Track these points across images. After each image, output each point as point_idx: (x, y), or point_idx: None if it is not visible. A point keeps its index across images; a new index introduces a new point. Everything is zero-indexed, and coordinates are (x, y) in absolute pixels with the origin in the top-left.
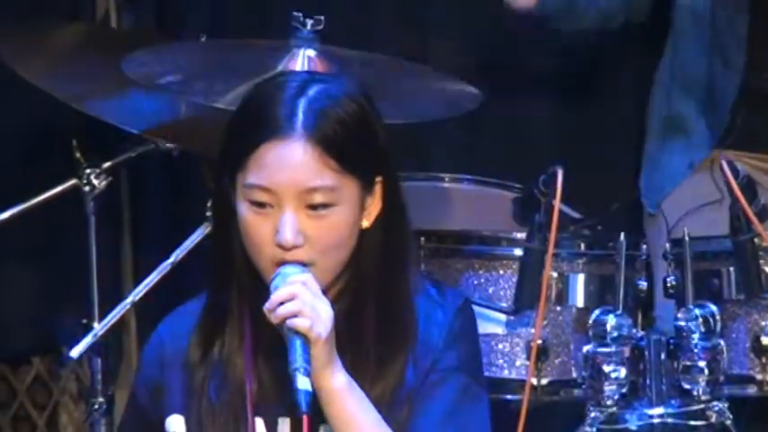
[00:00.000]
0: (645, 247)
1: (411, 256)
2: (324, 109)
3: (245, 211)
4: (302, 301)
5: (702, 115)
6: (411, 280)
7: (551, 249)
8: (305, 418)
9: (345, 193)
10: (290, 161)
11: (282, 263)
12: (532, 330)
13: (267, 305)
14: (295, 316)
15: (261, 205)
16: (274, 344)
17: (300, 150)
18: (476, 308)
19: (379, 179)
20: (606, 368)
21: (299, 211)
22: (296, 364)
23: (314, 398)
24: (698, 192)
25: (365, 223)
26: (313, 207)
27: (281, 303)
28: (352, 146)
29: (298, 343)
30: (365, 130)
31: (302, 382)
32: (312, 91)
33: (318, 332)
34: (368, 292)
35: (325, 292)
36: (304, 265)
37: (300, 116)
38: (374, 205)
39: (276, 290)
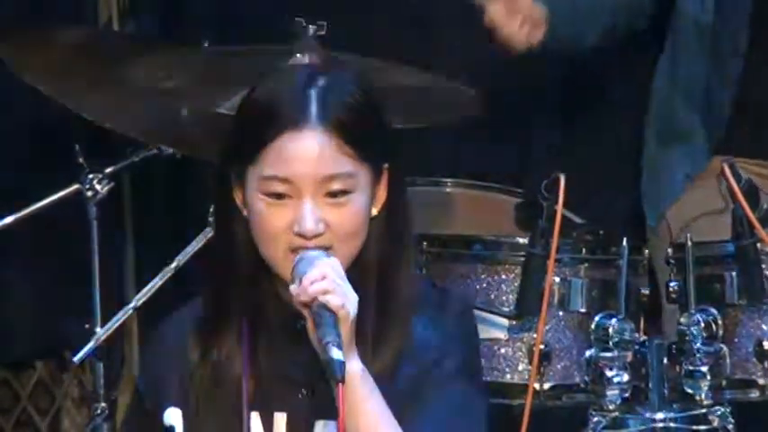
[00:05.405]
0: (647, 251)
1: (412, 244)
2: (337, 97)
3: (259, 203)
4: (333, 281)
5: (702, 126)
6: (412, 266)
7: (554, 254)
8: (340, 386)
9: (361, 180)
10: (308, 151)
11: (302, 249)
12: (535, 335)
13: (295, 287)
14: (326, 294)
15: (279, 196)
16: (273, 342)
17: (317, 140)
18: (478, 312)
19: (385, 167)
20: (608, 373)
21: (317, 200)
22: (328, 337)
23: (313, 395)
24: (704, 201)
25: (373, 211)
26: (332, 194)
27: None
28: (366, 132)
29: (329, 318)
30: (376, 116)
31: (336, 353)
32: (320, 81)
33: (348, 310)
34: (370, 279)
35: None
36: (326, 249)
37: (314, 105)
38: (381, 193)
39: (302, 272)
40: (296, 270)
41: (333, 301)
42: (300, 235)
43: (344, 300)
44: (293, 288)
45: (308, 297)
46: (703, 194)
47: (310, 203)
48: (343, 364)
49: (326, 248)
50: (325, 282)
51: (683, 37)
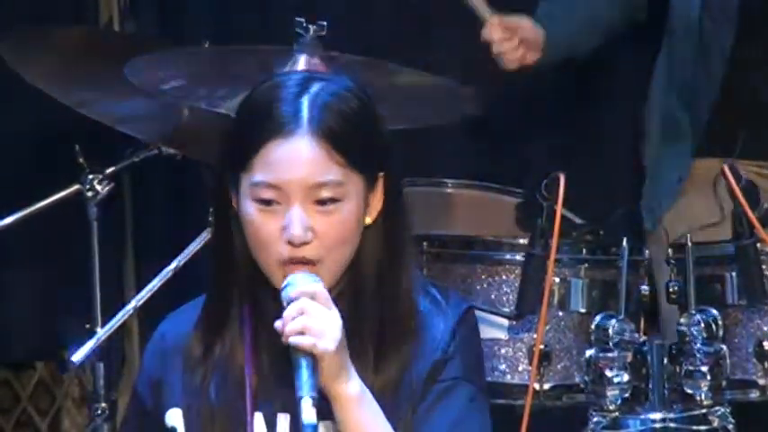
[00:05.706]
0: (647, 252)
1: (411, 252)
2: (328, 104)
3: (250, 210)
4: (308, 317)
5: (690, 127)
6: (411, 275)
7: (553, 254)
8: None
9: (351, 189)
10: (298, 157)
11: (291, 261)
12: (535, 335)
13: (278, 324)
14: (302, 332)
15: (268, 203)
16: (275, 341)
17: (307, 146)
18: (478, 313)
19: (380, 175)
20: (608, 373)
21: (306, 207)
22: (301, 391)
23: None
24: (701, 214)
25: (368, 220)
26: (321, 202)
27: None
28: (358, 141)
29: (303, 365)
30: (369, 125)
31: (307, 414)
32: (314, 88)
33: (324, 347)
34: (368, 289)
35: (328, 291)
36: (312, 263)
37: (305, 112)
38: (376, 201)
39: (286, 301)
40: (282, 295)
41: (303, 343)
42: (289, 242)
43: (319, 337)
44: (277, 325)
45: (285, 340)
46: (700, 207)
47: (299, 210)
48: (314, 428)
49: (313, 263)
50: (301, 319)
51: (675, 32)
